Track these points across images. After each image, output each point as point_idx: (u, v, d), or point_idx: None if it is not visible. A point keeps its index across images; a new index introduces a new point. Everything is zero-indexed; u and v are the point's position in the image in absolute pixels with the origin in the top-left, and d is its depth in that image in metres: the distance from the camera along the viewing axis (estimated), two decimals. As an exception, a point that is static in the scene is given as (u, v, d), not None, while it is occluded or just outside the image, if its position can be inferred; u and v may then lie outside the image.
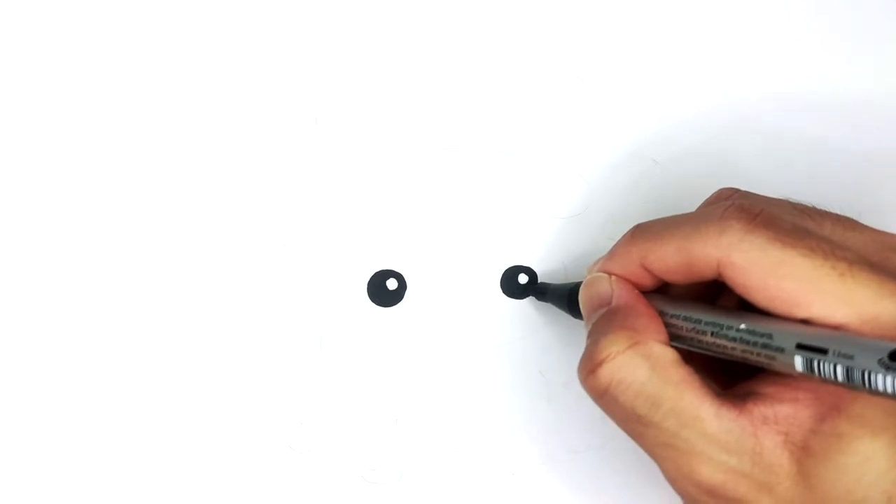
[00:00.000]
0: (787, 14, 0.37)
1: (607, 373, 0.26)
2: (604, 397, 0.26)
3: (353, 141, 0.35)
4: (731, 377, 0.27)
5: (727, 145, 0.36)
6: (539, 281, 0.35)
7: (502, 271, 0.35)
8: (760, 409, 0.25)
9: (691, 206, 0.36)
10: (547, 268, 0.35)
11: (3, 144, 0.34)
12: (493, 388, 0.34)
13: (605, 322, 0.27)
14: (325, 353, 0.34)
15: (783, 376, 0.25)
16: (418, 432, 0.34)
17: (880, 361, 0.21)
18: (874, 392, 0.22)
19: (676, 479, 0.26)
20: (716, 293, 0.28)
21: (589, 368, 0.26)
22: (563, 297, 0.32)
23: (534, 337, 0.35)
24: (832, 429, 0.24)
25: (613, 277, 0.29)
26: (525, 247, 0.35)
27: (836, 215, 0.27)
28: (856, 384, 0.22)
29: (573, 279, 0.33)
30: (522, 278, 0.35)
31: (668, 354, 0.26)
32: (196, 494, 0.33)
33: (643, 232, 0.28)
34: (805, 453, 0.24)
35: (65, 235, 0.34)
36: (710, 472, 0.25)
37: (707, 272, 0.26)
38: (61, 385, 0.33)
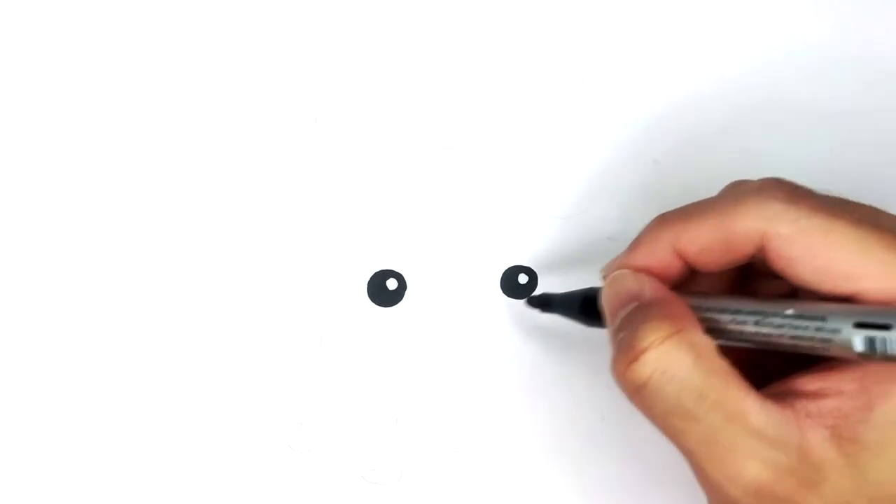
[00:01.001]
0: (790, 15, 0.37)
1: (650, 362, 0.24)
2: (643, 390, 0.24)
3: (353, 141, 0.35)
4: (762, 379, 0.26)
5: (728, 145, 0.36)
6: (539, 291, 0.34)
7: (502, 271, 0.35)
8: (803, 403, 0.24)
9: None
10: (547, 268, 0.35)
11: (3, 144, 0.34)
12: (493, 388, 0.34)
13: (640, 314, 0.26)
14: (325, 353, 0.34)
15: (821, 372, 0.24)
16: (418, 432, 0.34)
17: None
18: None
19: (720, 480, 0.24)
20: (742, 288, 0.27)
21: (628, 359, 0.24)
22: (574, 304, 0.30)
23: (534, 337, 0.35)
24: (883, 416, 0.23)
25: (641, 273, 0.27)
26: (525, 247, 0.35)
27: (859, 203, 0.26)
28: None
29: (573, 279, 0.33)
30: (522, 278, 0.35)
31: (710, 345, 0.24)
32: (196, 494, 0.33)
33: (672, 216, 0.27)
34: (855, 445, 0.23)
35: (65, 235, 0.34)
36: (757, 469, 0.23)
37: (747, 248, 0.25)
38: (61, 385, 0.33)
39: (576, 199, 0.35)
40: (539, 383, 0.34)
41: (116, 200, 0.34)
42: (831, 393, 0.24)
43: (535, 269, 0.35)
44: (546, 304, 0.33)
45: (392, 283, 0.35)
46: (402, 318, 0.35)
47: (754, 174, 0.36)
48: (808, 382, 0.24)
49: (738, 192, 0.25)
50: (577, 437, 0.34)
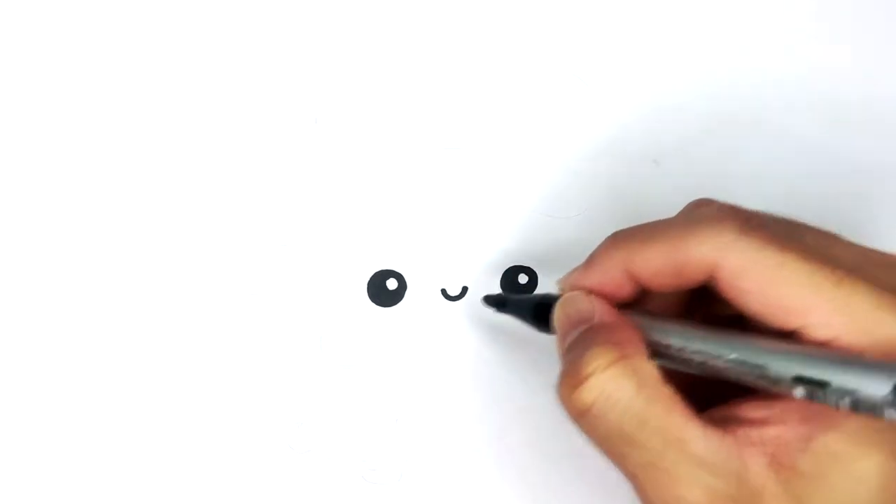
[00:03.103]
0: (788, 13, 0.37)
1: (592, 389, 0.25)
2: (587, 415, 0.25)
3: (353, 141, 0.35)
4: (705, 401, 0.26)
5: (728, 145, 0.36)
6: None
7: (502, 271, 0.35)
8: (745, 430, 0.24)
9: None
10: (547, 268, 0.35)
11: (3, 144, 0.34)
12: (493, 388, 0.34)
13: (587, 337, 0.26)
14: (325, 353, 0.34)
15: (765, 400, 0.24)
16: (418, 432, 0.34)
17: (884, 398, 0.21)
18: (879, 419, 0.21)
19: (658, 502, 0.25)
20: (695, 305, 0.28)
21: (572, 384, 0.25)
22: (528, 309, 0.31)
23: (533, 337, 0.35)
24: (824, 447, 0.23)
25: (592, 296, 0.28)
26: (525, 247, 0.35)
27: (818, 228, 0.26)
28: (863, 413, 0.21)
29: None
30: (522, 278, 0.35)
31: (654, 371, 0.25)
32: (196, 494, 0.33)
33: (626, 236, 0.27)
34: (793, 474, 0.23)
35: (65, 235, 0.34)
36: (696, 494, 0.24)
37: (698, 275, 0.25)
38: (61, 385, 0.33)
39: (576, 200, 0.35)
40: (539, 383, 0.34)
41: (116, 200, 0.34)
42: (774, 421, 0.24)
43: (535, 269, 0.35)
44: (502, 304, 0.33)
45: (392, 283, 0.35)
46: (402, 318, 0.35)
47: (753, 174, 0.36)
48: (752, 409, 0.24)
49: (693, 219, 0.26)
50: (578, 437, 0.34)
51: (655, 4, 0.36)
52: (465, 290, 0.35)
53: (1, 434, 0.33)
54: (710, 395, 0.26)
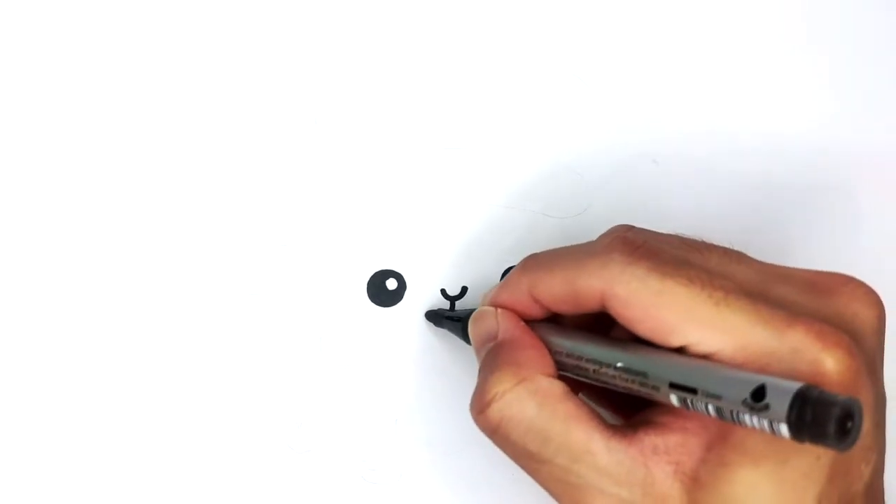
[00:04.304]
0: (787, 14, 0.37)
1: (496, 412, 0.26)
2: (495, 435, 0.27)
3: (353, 141, 0.35)
4: (630, 405, 0.28)
5: (727, 145, 0.36)
6: (432, 307, 0.35)
7: (502, 271, 0.35)
8: (651, 439, 0.25)
9: (691, 206, 0.36)
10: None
11: (3, 144, 0.34)
12: (493, 388, 0.34)
13: (492, 358, 0.28)
14: (325, 353, 0.34)
15: (671, 408, 0.25)
16: (418, 432, 0.34)
17: (744, 402, 0.22)
18: (745, 427, 0.22)
19: None
20: (609, 323, 0.28)
21: (479, 408, 0.27)
22: (458, 325, 0.32)
23: (534, 337, 0.35)
24: (718, 457, 0.24)
25: (499, 311, 0.29)
26: (525, 247, 0.35)
27: (725, 249, 0.27)
28: (727, 420, 0.22)
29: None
30: (522, 278, 0.35)
31: (555, 388, 0.26)
32: (196, 494, 0.33)
33: (533, 262, 0.28)
34: (695, 483, 0.24)
35: (65, 235, 0.34)
36: None
37: (592, 304, 0.26)
38: (61, 385, 0.33)
39: (575, 199, 0.35)
40: (539, 383, 0.34)
41: (116, 200, 0.34)
42: (677, 427, 0.25)
43: (534, 269, 0.35)
44: (438, 319, 0.34)
45: (392, 283, 0.35)
46: (402, 318, 0.35)
47: (752, 174, 0.36)
48: (658, 414, 0.25)
49: (587, 249, 0.27)
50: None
51: (655, 5, 0.36)
52: (465, 290, 0.35)
53: (1, 434, 0.33)
54: (637, 405, 0.27)
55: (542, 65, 0.36)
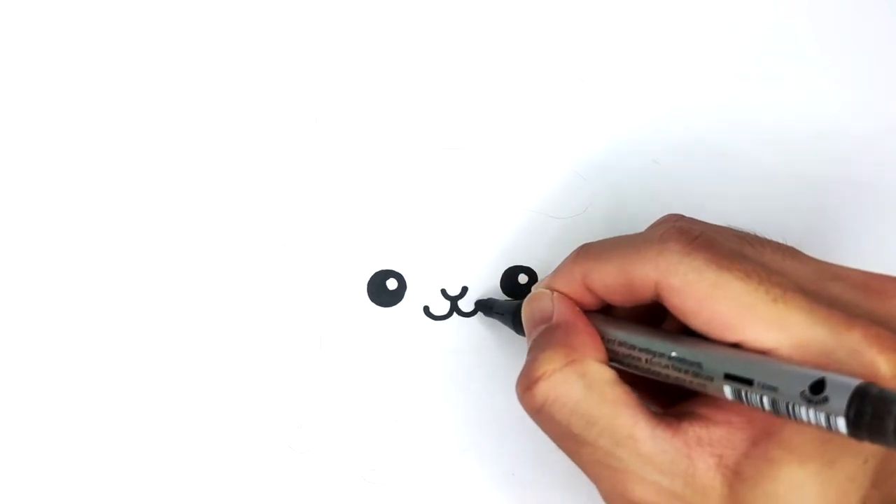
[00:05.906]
0: (787, 13, 0.37)
1: (543, 390, 0.26)
2: (539, 414, 0.27)
3: (353, 141, 0.35)
4: (672, 396, 0.27)
5: (727, 145, 0.36)
6: (485, 297, 0.35)
7: (502, 271, 0.35)
8: (696, 430, 0.25)
9: (691, 205, 0.36)
10: (547, 268, 0.35)
11: (3, 144, 0.34)
12: (493, 388, 0.34)
13: (545, 339, 0.28)
14: (325, 353, 0.34)
15: (716, 400, 0.25)
16: (418, 432, 0.34)
17: (802, 394, 0.22)
18: (799, 422, 0.22)
19: (611, 497, 0.26)
20: (662, 315, 0.28)
21: (525, 385, 0.27)
22: (508, 314, 0.32)
23: (534, 337, 0.35)
24: (763, 453, 0.24)
25: (556, 294, 0.29)
26: (525, 247, 0.35)
27: (777, 243, 0.27)
28: (781, 414, 0.22)
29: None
30: (522, 278, 0.35)
31: (604, 373, 0.26)
32: (196, 495, 0.33)
33: (587, 251, 0.28)
34: (737, 477, 0.24)
35: (65, 235, 0.34)
36: (643, 492, 0.25)
37: (646, 294, 0.26)
38: (61, 385, 0.33)
39: (576, 199, 0.35)
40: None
41: (116, 200, 0.34)
42: (721, 421, 0.25)
43: (535, 269, 0.35)
44: (489, 307, 0.34)
45: (392, 283, 0.35)
46: (402, 318, 0.35)
47: (752, 174, 0.36)
48: (703, 406, 0.25)
49: (643, 239, 0.27)
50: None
51: (656, 6, 0.36)
52: (465, 290, 0.35)
53: (1, 434, 0.33)
54: (679, 396, 0.27)
55: (543, 65, 0.36)
